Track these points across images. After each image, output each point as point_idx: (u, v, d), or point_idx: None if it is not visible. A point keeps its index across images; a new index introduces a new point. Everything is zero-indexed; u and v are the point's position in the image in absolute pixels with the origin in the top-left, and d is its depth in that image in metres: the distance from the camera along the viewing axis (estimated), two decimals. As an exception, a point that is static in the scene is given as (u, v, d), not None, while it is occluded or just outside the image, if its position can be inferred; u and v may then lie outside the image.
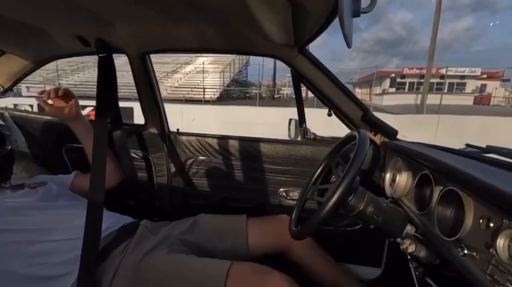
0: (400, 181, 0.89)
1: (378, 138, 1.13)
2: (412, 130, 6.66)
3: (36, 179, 1.05)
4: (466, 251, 0.54)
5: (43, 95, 0.99)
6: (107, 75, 1.05)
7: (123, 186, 1.29)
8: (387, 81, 24.11)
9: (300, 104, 1.43)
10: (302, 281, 1.00)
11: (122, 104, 1.19)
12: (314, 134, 1.34)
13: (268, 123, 7.59)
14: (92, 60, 15.31)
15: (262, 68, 22.27)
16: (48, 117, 1.38)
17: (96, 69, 1.04)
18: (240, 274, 0.76)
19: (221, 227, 1.05)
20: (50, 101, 1.01)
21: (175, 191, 1.34)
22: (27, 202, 0.90)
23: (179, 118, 8.30)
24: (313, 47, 1.09)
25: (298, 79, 1.23)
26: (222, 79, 16.19)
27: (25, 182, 1.01)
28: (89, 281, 0.77)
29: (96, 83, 1.02)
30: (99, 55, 1.04)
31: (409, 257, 0.78)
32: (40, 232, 0.82)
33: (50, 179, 1.06)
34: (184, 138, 1.30)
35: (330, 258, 1.08)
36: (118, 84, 1.12)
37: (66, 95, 1.02)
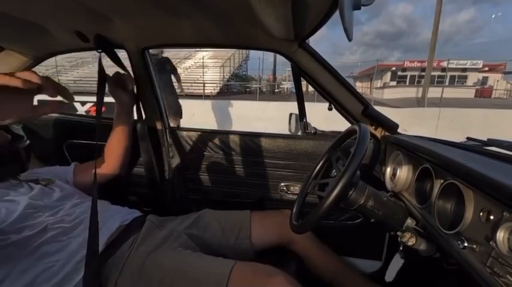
0: (400, 174, 0.89)
1: (379, 133, 1.13)
2: (412, 124, 6.65)
3: (41, 174, 1.03)
4: (466, 244, 0.54)
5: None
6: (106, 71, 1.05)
7: (124, 182, 1.29)
8: (388, 75, 23.98)
9: (300, 99, 1.42)
10: (304, 275, 1.01)
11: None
12: (315, 128, 1.34)
13: (269, 118, 7.57)
14: (92, 56, 15.27)
15: (262, 62, 22.10)
16: (49, 114, 1.38)
17: (95, 64, 1.04)
18: (243, 274, 0.76)
19: (225, 223, 1.06)
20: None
21: (176, 186, 1.34)
22: (46, 202, 0.90)
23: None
24: (314, 41, 1.08)
25: (298, 73, 1.23)
26: (222, 74, 16.12)
27: (38, 177, 1.01)
28: (94, 274, 0.77)
29: (95, 79, 1.02)
30: (99, 51, 1.03)
31: (400, 249, 0.79)
32: (57, 230, 0.82)
33: (52, 174, 1.06)
34: (184, 133, 1.30)
35: (331, 251, 1.09)
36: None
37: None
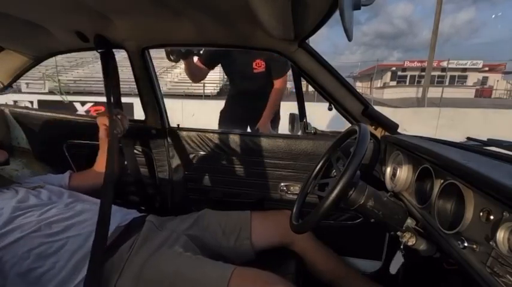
0: (400, 174, 0.89)
1: (379, 132, 1.13)
2: (413, 124, 6.64)
3: (32, 183, 1.04)
4: (466, 244, 0.54)
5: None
6: (108, 71, 1.05)
7: (124, 182, 1.29)
8: (388, 75, 24.00)
9: (300, 99, 1.42)
10: (305, 275, 1.01)
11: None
12: (315, 128, 1.34)
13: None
14: (92, 56, 15.27)
15: (262, 62, 22.01)
16: (49, 114, 1.37)
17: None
18: (241, 282, 0.75)
19: (225, 223, 1.06)
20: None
21: (176, 187, 1.34)
22: (35, 202, 0.90)
23: (179, 113, 8.28)
24: (313, 42, 1.08)
25: (298, 73, 1.23)
26: (222, 74, 16.10)
27: (22, 184, 1.01)
28: (96, 276, 0.77)
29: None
30: (99, 51, 1.03)
31: (401, 247, 0.79)
32: (53, 230, 0.82)
33: (44, 181, 1.06)
34: (184, 133, 1.30)
35: (332, 251, 1.09)
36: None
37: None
